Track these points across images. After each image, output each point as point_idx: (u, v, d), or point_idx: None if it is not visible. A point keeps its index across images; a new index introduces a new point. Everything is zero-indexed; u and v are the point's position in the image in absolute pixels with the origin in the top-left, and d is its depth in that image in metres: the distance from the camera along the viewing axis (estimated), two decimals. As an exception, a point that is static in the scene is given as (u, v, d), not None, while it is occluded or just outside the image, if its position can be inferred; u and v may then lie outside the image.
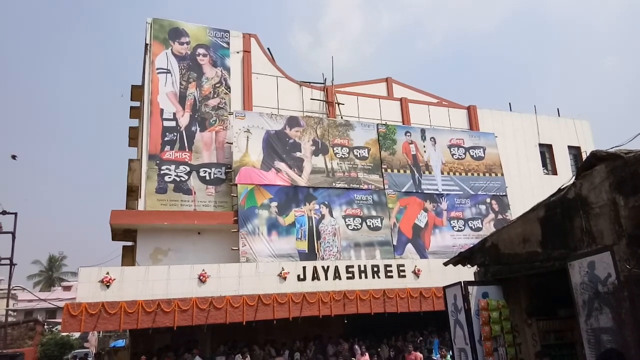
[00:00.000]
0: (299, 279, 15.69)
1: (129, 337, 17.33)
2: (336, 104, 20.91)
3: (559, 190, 5.83)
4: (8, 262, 18.43)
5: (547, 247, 5.68)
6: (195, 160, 17.91)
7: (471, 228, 20.15)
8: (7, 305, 19.13)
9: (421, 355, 12.24)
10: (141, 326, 13.34)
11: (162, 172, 17.31)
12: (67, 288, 42.55)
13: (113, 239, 17.88)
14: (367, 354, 14.70)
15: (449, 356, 10.86)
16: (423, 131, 21.23)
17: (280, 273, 15.52)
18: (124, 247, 19.61)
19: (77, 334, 28.27)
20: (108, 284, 13.49)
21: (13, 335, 20.93)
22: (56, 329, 27.18)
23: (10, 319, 22.71)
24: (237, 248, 16.56)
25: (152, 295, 13.59)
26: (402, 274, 16.85)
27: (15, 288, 23.68)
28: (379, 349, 15.64)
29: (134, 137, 21.85)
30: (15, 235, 18.57)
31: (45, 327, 29.03)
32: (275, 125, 18.75)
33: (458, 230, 19.97)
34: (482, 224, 20.38)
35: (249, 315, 14.38)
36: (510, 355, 6.02)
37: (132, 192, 18.63)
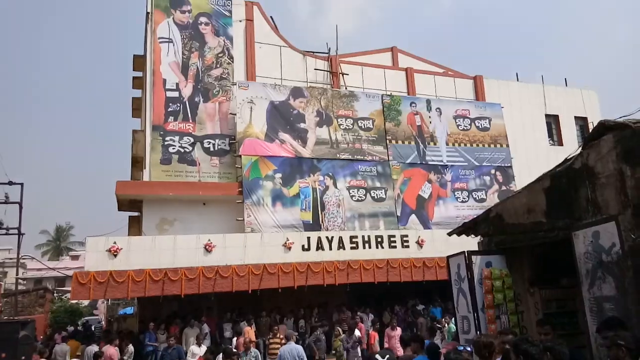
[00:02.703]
0: (303, 249, 15.87)
1: (137, 304, 17.70)
2: (340, 75, 20.67)
3: (565, 160, 5.80)
4: (16, 231, 18.68)
5: (552, 217, 5.70)
6: (199, 131, 17.87)
7: (475, 199, 20.19)
8: (17, 274, 19.48)
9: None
10: (149, 294, 13.60)
11: (166, 143, 17.31)
12: (75, 257, 43.26)
13: (119, 210, 18.04)
14: (370, 319, 15.01)
15: (452, 324, 11.04)
16: (428, 102, 21.03)
17: (285, 243, 15.69)
18: (130, 217, 19.81)
19: (86, 302, 28.89)
20: (115, 253, 13.69)
21: (24, 303, 21.42)
22: (65, 297, 27.78)
23: (20, 287, 23.17)
24: (242, 219, 16.70)
25: (159, 264, 13.80)
26: (405, 244, 17.00)
27: (24, 257, 24.09)
28: (382, 317, 15.91)
29: (137, 107, 21.77)
30: (22, 205, 18.76)
31: (55, 295, 29.65)
32: (279, 96, 18.61)
33: (462, 202, 20.02)
34: (486, 195, 20.40)
35: (255, 284, 14.62)
36: (513, 323, 6.12)
37: (137, 163, 18.70)
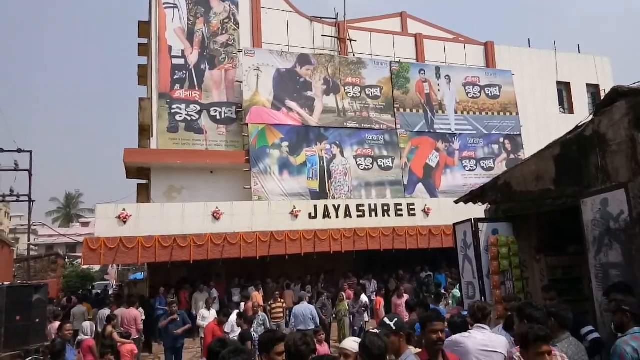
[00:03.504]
0: (310, 217, 15.99)
1: (147, 270, 18.04)
2: (348, 41, 20.29)
3: (577, 127, 5.73)
4: (27, 199, 18.92)
5: (561, 184, 5.67)
6: (205, 99, 17.76)
7: (483, 168, 20.09)
8: (29, 240, 19.84)
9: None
10: (159, 260, 13.84)
11: (172, 111, 17.25)
12: (85, 224, 43.95)
13: (127, 177, 18.17)
14: (372, 286, 15.26)
15: (456, 290, 11.18)
16: (438, 69, 20.67)
17: (292, 211, 15.80)
18: (138, 185, 19.97)
19: (97, 267, 29.49)
20: (125, 220, 13.87)
21: (36, 268, 21.92)
22: (77, 263, 28.37)
23: (32, 253, 23.65)
24: (249, 187, 16.78)
25: (168, 231, 13.98)
26: (412, 212, 17.06)
27: (35, 224, 24.49)
28: (388, 283, 16.13)
29: (143, 75, 21.59)
30: (31, 173, 18.93)
31: (66, 260, 30.27)
32: (286, 64, 18.36)
33: (469, 170, 19.93)
34: (494, 164, 20.27)
35: (262, 250, 14.82)
36: (517, 289, 6.18)
37: (144, 131, 18.70)
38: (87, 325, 8.81)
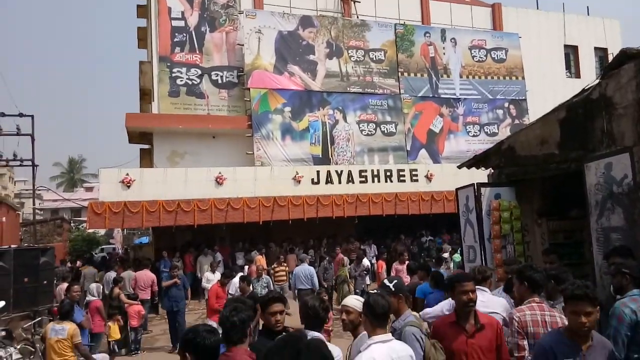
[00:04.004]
0: (312, 182, 16.03)
1: (152, 234, 18.26)
2: (352, 2, 19.80)
3: (583, 90, 5.64)
4: (30, 163, 18.97)
5: (565, 148, 5.63)
6: (206, 62, 17.50)
7: (487, 133, 19.96)
8: (34, 204, 20.02)
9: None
10: (163, 224, 13.99)
11: (173, 74, 17.04)
12: (89, 189, 44.24)
13: (130, 142, 18.15)
14: (373, 251, 15.46)
15: (457, 254, 11.31)
16: (443, 32, 20.25)
17: (295, 177, 15.83)
18: (141, 149, 19.96)
19: (102, 231, 29.88)
20: (128, 184, 13.93)
21: (42, 232, 22.22)
22: (82, 227, 28.71)
23: (37, 217, 23.89)
24: (251, 152, 16.75)
25: (172, 195, 14.07)
26: (414, 178, 17.08)
27: (39, 188, 24.64)
28: (390, 249, 16.33)
29: (142, 38, 21.19)
30: (34, 137, 18.90)
31: (72, 224, 30.64)
32: (288, 26, 17.99)
33: (473, 136, 19.82)
34: (498, 129, 20.14)
35: (265, 215, 14.94)
36: (518, 253, 6.24)
37: (145, 95, 18.54)
38: (94, 286, 8.98)
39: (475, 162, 7.04)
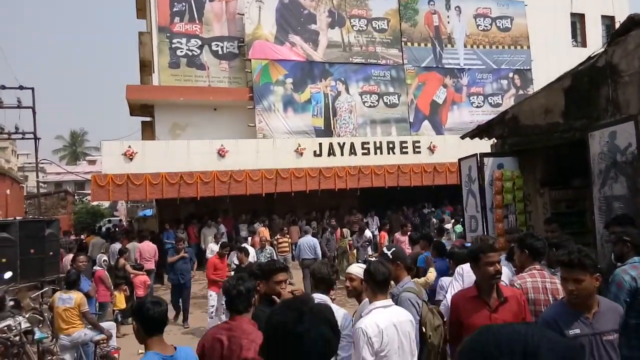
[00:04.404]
0: (315, 154, 16.01)
1: (155, 206, 18.36)
2: (354, -31, 19.31)
3: (589, 58, 5.56)
4: (32, 136, 18.93)
5: (569, 117, 5.59)
6: (206, 33, 17.23)
7: (490, 104, 19.77)
8: (37, 177, 20.09)
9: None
10: (166, 196, 14.05)
11: (173, 45, 16.80)
12: (92, 162, 44.32)
13: (131, 114, 18.07)
14: (375, 222, 15.56)
15: (458, 225, 11.36)
16: None
17: (297, 149, 15.80)
18: (142, 122, 19.90)
19: (106, 204, 30.09)
20: (131, 157, 13.94)
21: (47, 205, 22.37)
22: (86, 199, 28.90)
23: (41, 191, 24.04)
24: (253, 124, 16.68)
25: (174, 168, 14.08)
26: (417, 150, 17.03)
27: (42, 162, 24.69)
28: (392, 220, 16.41)
29: (141, 7, 20.81)
30: (35, 110, 18.80)
31: (76, 197, 30.82)
32: (289, -7, 17.62)
33: (477, 107, 19.64)
34: (502, 100, 19.93)
35: (268, 187, 14.98)
36: (520, 222, 6.27)
37: (145, 67, 18.36)
38: (99, 257, 9.11)
39: (479, 132, 7.01)
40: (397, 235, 12.47)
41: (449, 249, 5.76)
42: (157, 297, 3.10)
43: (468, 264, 4.35)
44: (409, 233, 9.90)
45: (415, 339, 3.24)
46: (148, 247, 11.04)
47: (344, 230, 13.86)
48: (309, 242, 10.87)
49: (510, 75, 20.29)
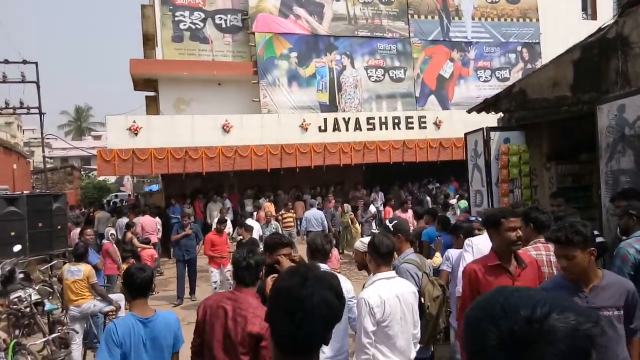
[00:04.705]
0: (320, 130, 15.94)
1: (161, 181, 18.45)
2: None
3: (599, 29, 5.45)
4: (37, 111, 18.93)
5: (578, 90, 5.51)
6: (209, 5, 16.95)
7: (498, 78, 19.50)
8: (43, 152, 20.17)
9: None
10: (171, 171, 14.11)
11: (176, 18, 16.57)
12: (97, 137, 44.40)
13: (135, 89, 17.99)
14: (380, 198, 15.61)
15: (463, 201, 11.37)
16: (455, -30, 19.35)
17: (302, 124, 15.73)
18: (147, 97, 19.83)
19: (112, 179, 30.24)
20: (136, 132, 13.93)
21: (53, 180, 22.51)
22: (92, 175, 29.06)
23: (47, 166, 24.16)
24: (258, 99, 16.57)
25: (179, 143, 14.09)
26: (422, 125, 16.91)
27: (48, 137, 24.73)
28: (397, 195, 16.44)
29: (144, -20, 20.52)
30: (39, 84, 18.75)
31: (82, 172, 30.99)
32: (293, -36, 17.26)
33: (484, 81, 19.38)
34: (509, 74, 19.64)
35: (273, 163, 14.98)
36: (525, 197, 6.25)
37: (149, 40, 18.18)
38: (107, 231, 9.21)
39: (486, 106, 6.94)
40: (398, 213, 12.51)
41: (452, 224, 5.75)
42: (143, 264, 3.43)
43: (477, 237, 4.37)
44: (409, 210, 9.96)
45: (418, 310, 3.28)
46: (149, 221, 11.20)
47: (345, 205, 13.91)
48: (316, 215, 11.17)
49: (519, 48, 19.94)
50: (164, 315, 3.02)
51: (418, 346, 3.24)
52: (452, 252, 4.68)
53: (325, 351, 3.16)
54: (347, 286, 3.36)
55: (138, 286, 2.99)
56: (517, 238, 3.10)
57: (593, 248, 2.62)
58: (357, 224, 13.19)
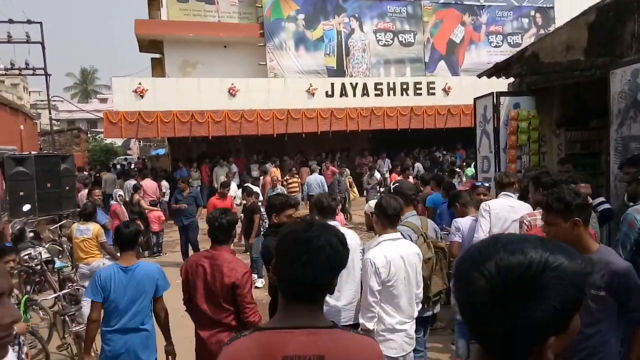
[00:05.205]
0: (327, 95, 15.77)
1: (168, 145, 18.47)
2: None
3: (618, -9, 5.26)
4: (43, 72, 18.79)
5: (591, 54, 5.38)
6: (215, -36, 16.53)
7: (509, 44, 19.04)
8: (50, 114, 20.14)
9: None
10: (178, 135, 14.10)
11: (181, -23, 16.19)
12: (103, 100, 44.26)
13: (140, 51, 17.78)
14: (387, 164, 15.57)
15: (469, 168, 11.33)
16: None
17: (309, 89, 15.56)
18: (152, 59, 19.61)
19: (119, 142, 30.31)
20: (142, 94, 13.86)
21: (60, 142, 22.57)
22: (99, 137, 29.11)
23: (54, 128, 24.20)
24: (264, 63, 16.35)
25: (185, 106, 14.01)
26: (431, 91, 16.68)
27: (54, 98, 24.65)
28: (404, 162, 16.40)
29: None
30: (44, 45, 18.53)
31: (89, 135, 31.06)
32: None
33: (495, 46, 18.95)
34: (521, 39, 19.16)
35: (279, 128, 14.91)
36: (533, 163, 6.20)
37: (154, 0, 17.84)
38: (115, 192, 9.30)
39: (496, 70, 6.81)
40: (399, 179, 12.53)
41: (450, 193, 5.49)
42: (130, 221, 4.00)
43: (493, 201, 4.32)
44: (410, 176, 9.96)
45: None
46: (150, 185, 11.32)
47: (344, 169, 13.89)
48: (317, 179, 11.56)
49: (532, 13, 19.39)
50: (145, 266, 3.45)
51: (420, 305, 3.31)
52: (462, 222, 4.48)
53: (339, 299, 3.39)
54: (357, 240, 3.54)
55: (124, 239, 3.45)
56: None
57: (578, 219, 2.39)
58: (355, 187, 13.27)
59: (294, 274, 1.33)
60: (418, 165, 15.45)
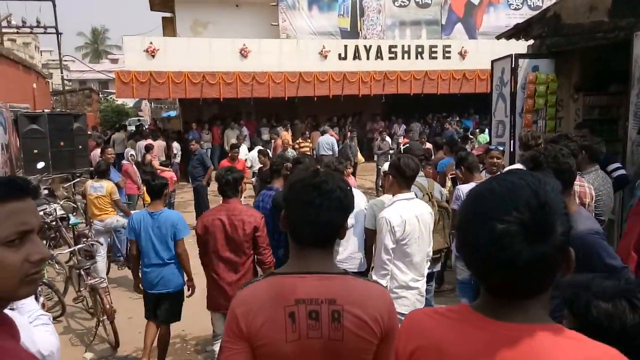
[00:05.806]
0: (340, 57, 15.49)
1: (179, 107, 18.42)
2: None
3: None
4: (54, 30, 18.62)
5: (616, 16, 5.17)
6: None
7: (530, 7, 18.35)
8: (62, 73, 20.09)
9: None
10: (189, 96, 14.02)
11: None
12: (115, 61, 43.90)
13: (151, 9, 17.52)
14: (402, 129, 15.42)
15: (482, 135, 11.19)
16: None
17: (321, 51, 15.28)
18: (163, 18, 19.32)
19: (131, 103, 30.26)
20: (153, 54, 13.72)
21: (72, 102, 22.57)
22: (111, 98, 29.08)
23: (66, 88, 24.20)
24: (276, 23, 16.03)
25: (197, 67, 13.86)
26: (447, 55, 16.28)
27: (66, 58, 24.49)
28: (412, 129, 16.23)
29: None
30: (55, 2, 18.29)
31: (100, 96, 31.04)
32: None
33: (515, 9, 18.28)
34: (542, 3, 18.50)
35: (291, 91, 14.75)
36: (549, 128, 6.08)
37: (165, -43, 17.41)
38: (127, 151, 9.36)
39: (516, 32, 6.60)
40: (409, 143, 12.47)
41: (459, 154, 5.35)
42: (159, 175, 4.74)
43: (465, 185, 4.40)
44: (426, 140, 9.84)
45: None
46: (158, 145, 11.43)
47: (354, 133, 13.80)
48: (327, 140, 11.58)
49: (555, -26, 18.63)
50: (167, 212, 4.06)
51: (429, 263, 3.36)
52: (463, 188, 4.40)
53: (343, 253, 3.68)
54: (364, 199, 3.75)
55: (153, 190, 4.08)
56: None
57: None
58: (360, 153, 13.18)
59: (309, 218, 1.34)
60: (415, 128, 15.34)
